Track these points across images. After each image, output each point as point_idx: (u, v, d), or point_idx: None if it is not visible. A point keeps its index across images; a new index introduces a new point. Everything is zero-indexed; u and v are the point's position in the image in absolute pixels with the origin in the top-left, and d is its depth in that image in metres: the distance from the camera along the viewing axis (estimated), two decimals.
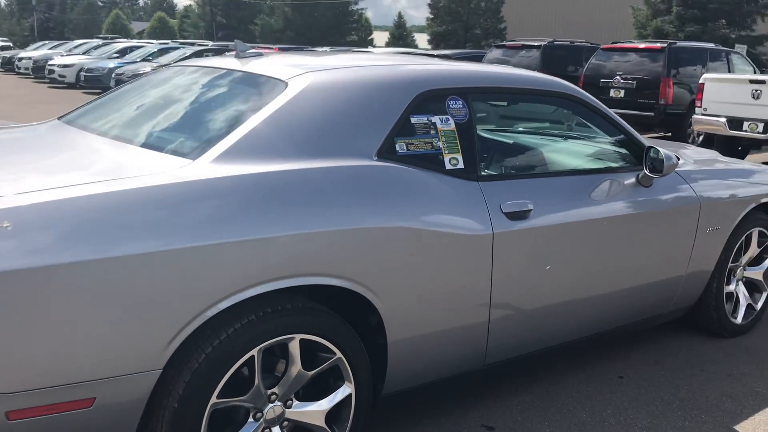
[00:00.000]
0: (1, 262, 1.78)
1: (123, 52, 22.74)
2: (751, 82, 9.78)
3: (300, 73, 2.60)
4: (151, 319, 1.98)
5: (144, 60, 20.03)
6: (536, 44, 14.21)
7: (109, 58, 21.90)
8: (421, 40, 62.03)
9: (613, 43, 13.31)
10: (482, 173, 2.75)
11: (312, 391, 2.38)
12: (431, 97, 2.72)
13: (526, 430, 2.94)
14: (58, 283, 1.84)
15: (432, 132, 2.67)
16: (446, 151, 2.68)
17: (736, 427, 3.03)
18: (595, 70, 12.75)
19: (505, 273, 2.72)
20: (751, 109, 9.68)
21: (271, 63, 2.86)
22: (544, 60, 13.83)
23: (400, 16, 53.42)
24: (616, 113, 3.31)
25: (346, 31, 49.03)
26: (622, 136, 3.35)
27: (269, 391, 2.26)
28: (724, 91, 10.04)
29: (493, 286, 2.69)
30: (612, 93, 12.29)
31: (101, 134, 2.71)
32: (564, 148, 3.38)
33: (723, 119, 9.84)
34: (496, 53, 15.06)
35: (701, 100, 10.33)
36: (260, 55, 3.03)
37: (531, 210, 2.78)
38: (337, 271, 2.29)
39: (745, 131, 9.69)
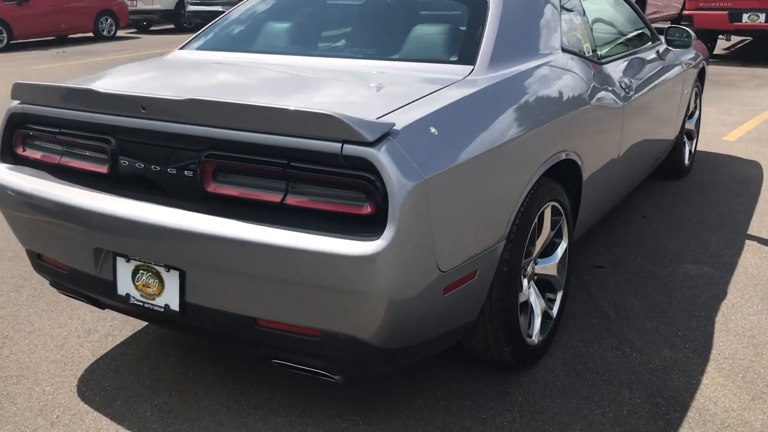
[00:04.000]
0: (438, 162, 2.05)
1: None
2: None
3: None
4: (503, 200, 2.36)
5: None
6: None
7: None
8: None
9: None
10: (600, 59, 3.34)
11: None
12: None
13: (626, 263, 3.71)
14: (467, 176, 2.15)
15: (572, 25, 3.19)
16: (582, 41, 3.22)
17: (749, 232, 4.07)
18: None
19: (626, 131, 3.40)
20: None
21: None
22: None
23: None
24: None
25: None
26: (640, 21, 4.11)
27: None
28: None
29: (621, 141, 3.36)
30: None
31: (338, 56, 2.85)
32: (618, 33, 4.03)
33: None
34: None
35: None
36: None
37: (630, 85, 3.46)
38: (570, 147, 2.79)
39: None
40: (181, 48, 3.30)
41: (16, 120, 2.63)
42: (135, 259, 2.34)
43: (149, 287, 2.33)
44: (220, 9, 16.22)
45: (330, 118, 1.91)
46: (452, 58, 2.65)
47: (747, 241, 3.97)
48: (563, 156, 2.72)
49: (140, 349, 2.98)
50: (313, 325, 2.09)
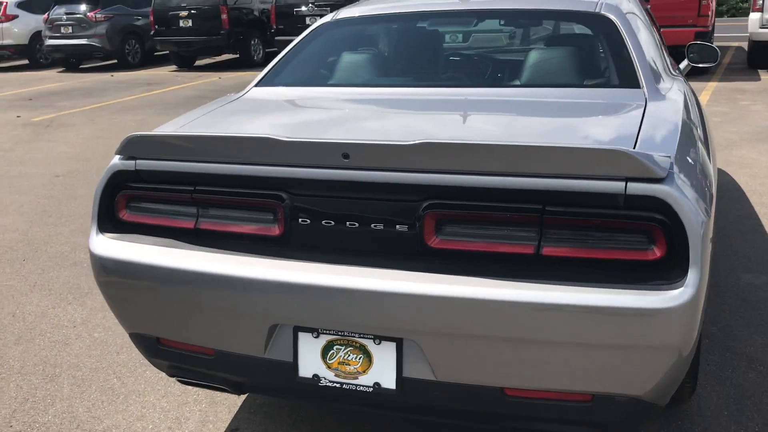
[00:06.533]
0: (704, 193, 1.88)
1: None
2: None
3: (592, 3, 2.80)
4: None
5: None
6: None
7: None
8: None
9: None
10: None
11: None
12: None
13: None
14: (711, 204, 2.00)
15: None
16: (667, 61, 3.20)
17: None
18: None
19: None
20: None
21: None
22: None
23: None
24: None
25: None
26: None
27: None
28: None
29: None
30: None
31: (485, 86, 2.66)
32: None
33: None
34: None
35: None
36: None
37: None
38: None
39: None
40: (259, 85, 2.89)
41: (120, 180, 2.18)
42: (327, 333, 1.98)
43: (349, 364, 1.98)
44: (85, 42, 15.12)
45: (619, 155, 1.69)
46: (612, 82, 2.51)
47: None
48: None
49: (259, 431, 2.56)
50: (582, 388, 1.84)
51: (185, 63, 15.28)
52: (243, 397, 2.78)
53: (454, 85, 2.69)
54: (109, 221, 2.21)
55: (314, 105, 2.65)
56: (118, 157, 2.17)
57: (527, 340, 1.80)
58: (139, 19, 15.65)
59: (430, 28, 2.99)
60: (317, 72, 2.93)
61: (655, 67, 2.61)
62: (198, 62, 15.87)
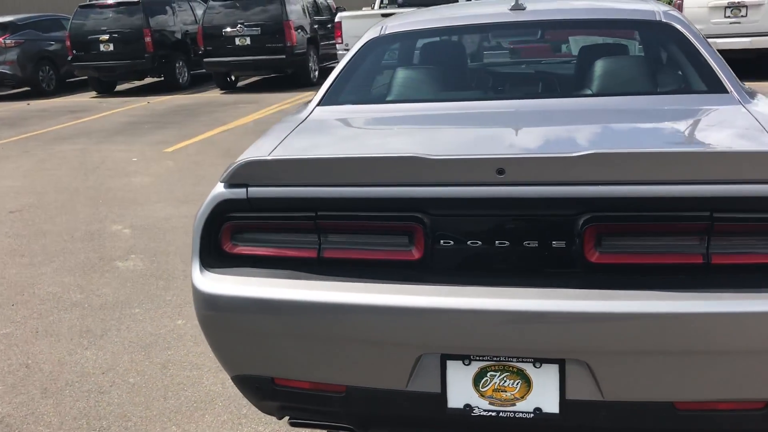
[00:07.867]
0: None
1: None
2: (383, 16, 11.46)
3: (651, 12, 2.81)
4: None
5: None
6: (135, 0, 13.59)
7: None
8: None
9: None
10: None
11: None
12: None
13: None
14: None
15: None
16: None
17: None
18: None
19: None
20: None
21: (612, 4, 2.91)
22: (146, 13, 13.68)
23: None
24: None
25: None
26: None
27: None
28: (359, 26, 11.57)
29: None
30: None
31: (590, 96, 2.61)
32: None
33: None
34: (83, 13, 13.88)
35: (341, 36, 11.82)
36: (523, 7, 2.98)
37: None
38: None
39: None
40: (322, 104, 2.73)
41: (224, 210, 2.00)
42: (480, 360, 1.87)
43: (505, 391, 1.88)
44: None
45: None
46: (696, 88, 2.52)
47: None
48: None
49: None
50: (755, 396, 1.81)
51: (106, 88, 14.65)
52: None
53: (541, 96, 2.64)
54: (211, 255, 2.03)
55: (397, 122, 2.53)
56: (222, 185, 2.00)
57: (701, 351, 1.76)
58: (52, 44, 14.90)
59: (479, 41, 2.95)
60: (380, 89, 2.82)
61: (730, 72, 2.65)
62: (119, 87, 15.25)
